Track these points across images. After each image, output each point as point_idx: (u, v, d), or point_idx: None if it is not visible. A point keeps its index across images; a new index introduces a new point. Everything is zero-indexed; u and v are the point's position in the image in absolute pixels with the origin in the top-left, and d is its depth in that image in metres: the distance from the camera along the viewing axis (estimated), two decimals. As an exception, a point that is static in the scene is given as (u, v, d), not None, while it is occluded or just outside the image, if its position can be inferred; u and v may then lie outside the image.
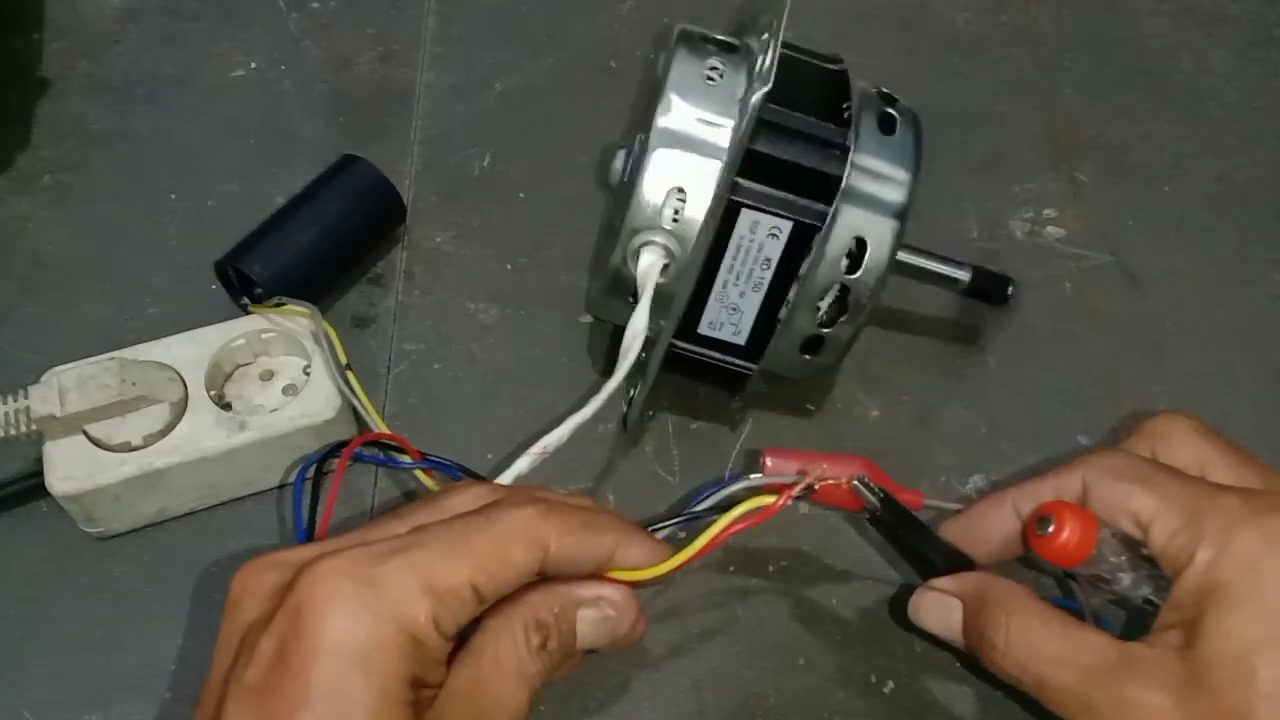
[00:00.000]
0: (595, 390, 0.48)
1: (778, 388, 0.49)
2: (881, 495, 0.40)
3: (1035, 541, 0.39)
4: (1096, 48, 0.61)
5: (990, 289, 0.48)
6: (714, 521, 0.36)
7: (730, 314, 0.42)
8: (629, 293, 0.42)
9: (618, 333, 0.42)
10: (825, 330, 0.43)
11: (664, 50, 0.42)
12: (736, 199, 0.40)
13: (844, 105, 0.42)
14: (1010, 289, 0.49)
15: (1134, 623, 0.43)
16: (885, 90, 0.44)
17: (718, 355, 0.44)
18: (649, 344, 0.43)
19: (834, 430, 0.49)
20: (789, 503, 0.37)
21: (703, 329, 0.43)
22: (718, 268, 0.41)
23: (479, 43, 0.60)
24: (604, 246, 0.45)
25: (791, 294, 0.41)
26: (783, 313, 0.42)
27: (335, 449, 0.43)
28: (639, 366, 0.43)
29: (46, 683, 0.42)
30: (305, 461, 0.43)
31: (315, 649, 0.29)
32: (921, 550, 0.41)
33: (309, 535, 0.41)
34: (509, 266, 0.53)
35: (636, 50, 0.60)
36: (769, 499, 0.37)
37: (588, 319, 0.51)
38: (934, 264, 0.47)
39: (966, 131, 0.57)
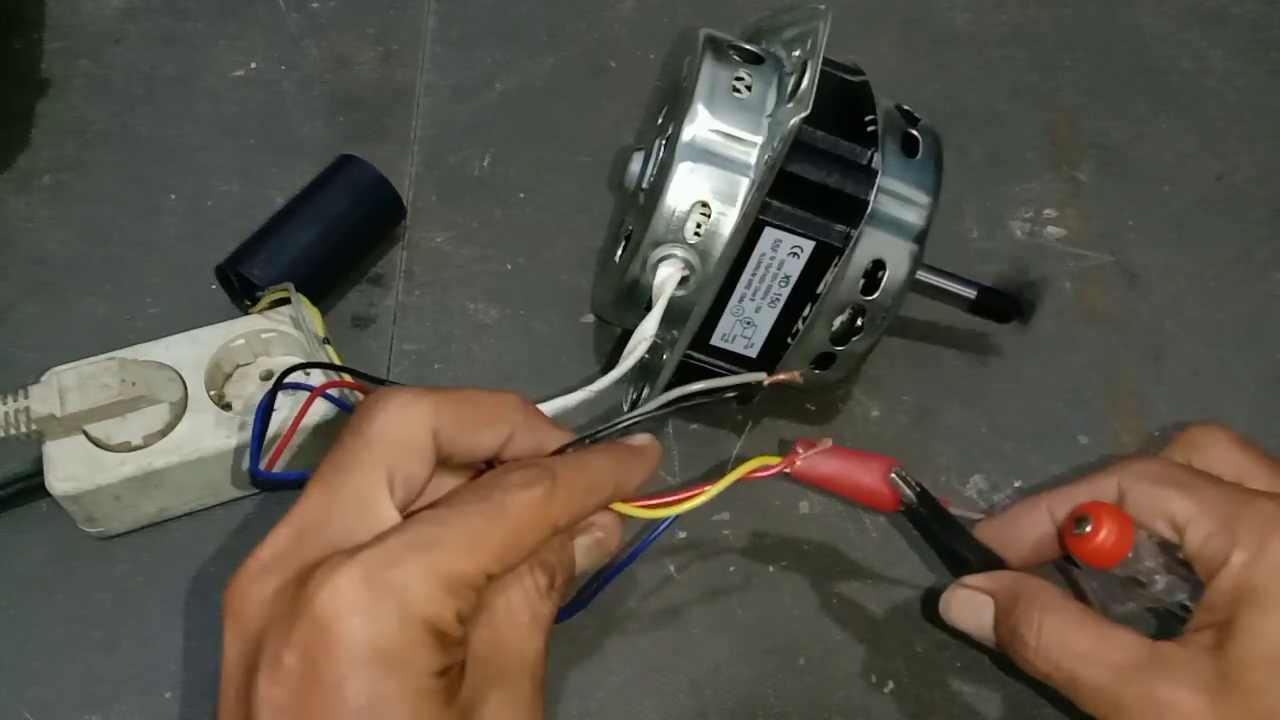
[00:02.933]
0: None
1: (779, 389, 0.49)
2: (918, 489, 0.40)
3: (1072, 541, 0.39)
4: (1096, 48, 0.61)
5: (996, 307, 0.49)
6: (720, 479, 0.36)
7: (744, 327, 0.42)
8: (643, 301, 0.42)
9: (624, 335, 0.42)
10: (838, 348, 0.43)
11: (688, 54, 0.42)
12: (763, 218, 0.39)
13: (867, 119, 0.41)
14: (1016, 308, 0.49)
15: (1164, 633, 0.42)
16: (905, 107, 0.43)
17: (729, 366, 0.43)
18: (655, 350, 0.43)
19: (834, 431, 0.49)
20: (793, 465, 0.38)
21: (715, 340, 0.43)
22: (736, 282, 0.41)
23: (479, 43, 0.60)
24: (613, 249, 0.45)
25: (807, 311, 0.41)
26: (797, 328, 0.42)
27: (296, 368, 0.41)
28: (647, 374, 0.43)
29: (46, 683, 0.42)
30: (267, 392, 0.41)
31: (346, 660, 0.29)
32: (955, 547, 0.41)
33: (259, 452, 0.40)
34: (509, 266, 0.53)
35: (636, 50, 0.60)
36: (774, 459, 0.37)
37: (588, 319, 0.51)
38: (942, 281, 0.47)
39: (966, 131, 0.57)
